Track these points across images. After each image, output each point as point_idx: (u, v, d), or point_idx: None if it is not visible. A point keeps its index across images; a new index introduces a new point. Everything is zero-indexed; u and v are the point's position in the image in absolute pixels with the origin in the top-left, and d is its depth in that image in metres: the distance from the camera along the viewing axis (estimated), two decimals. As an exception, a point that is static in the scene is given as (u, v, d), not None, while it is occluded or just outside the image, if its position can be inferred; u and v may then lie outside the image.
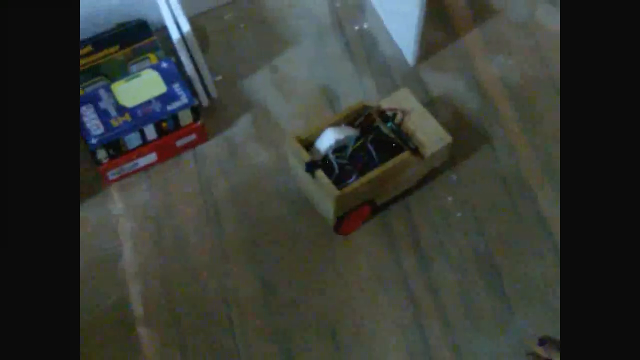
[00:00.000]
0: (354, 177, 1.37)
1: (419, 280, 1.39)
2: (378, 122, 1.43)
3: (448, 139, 1.43)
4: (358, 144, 1.40)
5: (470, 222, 1.45)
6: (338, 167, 1.37)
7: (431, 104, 1.57)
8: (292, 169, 1.45)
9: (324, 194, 1.36)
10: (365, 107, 1.43)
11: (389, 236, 1.43)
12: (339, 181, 1.36)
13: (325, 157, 1.38)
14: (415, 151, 1.40)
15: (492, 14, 1.69)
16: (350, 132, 1.40)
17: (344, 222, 1.40)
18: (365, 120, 1.43)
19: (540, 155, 1.50)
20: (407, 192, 1.47)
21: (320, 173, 1.34)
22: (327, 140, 1.38)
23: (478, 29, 1.67)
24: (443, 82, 1.60)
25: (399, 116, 1.43)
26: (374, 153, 1.39)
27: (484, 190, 1.48)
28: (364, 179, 1.36)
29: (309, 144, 1.39)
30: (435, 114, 1.54)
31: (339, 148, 1.38)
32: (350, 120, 1.42)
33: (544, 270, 1.39)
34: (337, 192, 1.33)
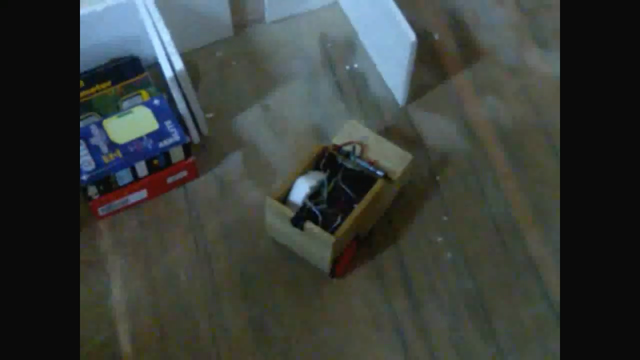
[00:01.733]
0: (339, 218, 1.37)
1: (410, 323, 1.39)
2: (341, 159, 1.43)
3: (409, 157, 1.45)
4: (330, 185, 1.40)
5: (461, 264, 1.45)
6: (320, 213, 1.37)
7: (421, 144, 1.58)
8: (270, 229, 1.44)
9: (317, 244, 1.36)
10: (324, 148, 1.44)
11: (380, 277, 1.43)
12: (325, 227, 1.36)
13: (303, 207, 1.37)
14: (385, 177, 1.41)
15: (482, 56, 1.70)
16: (319, 176, 1.41)
17: (337, 265, 1.40)
18: (328, 161, 1.43)
19: (531, 198, 1.52)
20: (398, 233, 1.48)
21: (309, 224, 1.34)
22: (301, 190, 1.38)
23: (468, 70, 1.69)
24: (433, 123, 1.62)
25: (357, 149, 1.43)
26: (348, 190, 1.40)
27: (474, 231, 1.49)
28: (351, 217, 1.36)
29: (283, 201, 1.39)
30: (425, 154, 1.56)
31: (313, 195, 1.38)
32: (314, 165, 1.43)
33: (534, 314, 1.39)
34: (333, 238, 1.33)
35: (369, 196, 1.39)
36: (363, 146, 1.45)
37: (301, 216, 1.35)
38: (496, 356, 1.36)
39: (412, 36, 1.47)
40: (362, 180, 1.42)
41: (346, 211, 1.38)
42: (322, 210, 1.37)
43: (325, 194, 1.39)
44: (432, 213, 1.51)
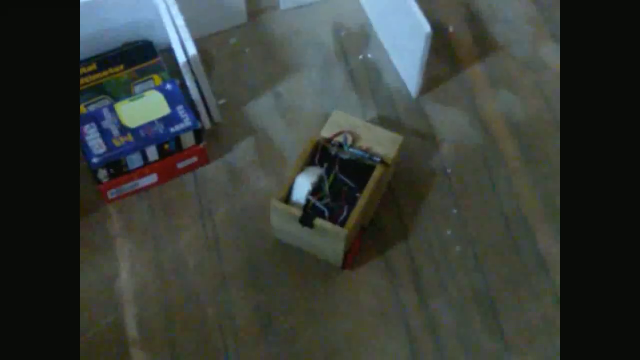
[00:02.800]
0: (345, 210, 1.37)
1: (418, 317, 1.39)
2: (334, 151, 1.43)
3: (399, 138, 1.45)
4: (330, 179, 1.39)
5: (470, 258, 1.44)
6: (325, 207, 1.36)
7: (432, 136, 1.58)
8: (276, 231, 1.43)
9: (328, 238, 1.35)
10: (317, 142, 1.43)
11: (389, 269, 1.43)
12: (332, 220, 1.36)
13: (307, 205, 1.37)
14: (382, 162, 1.41)
15: (496, 50, 1.69)
16: (317, 170, 1.40)
17: (348, 256, 1.40)
18: (322, 155, 1.43)
19: (542, 193, 1.51)
20: (407, 225, 1.47)
21: (318, 221, 1.34)
22: (302, 188, 1.37)
23: (482, 64, 1.68)
24: (446, 115, 1.61)
25: (348, 138, 1.43)
26: (348, 181, 1.40)
27: (484, 226, 1.48)
28: (358, 207, 1.36)
29: (286, 201, 1.38)
30: (437, 147, 1.55)
31: (314, 191, 1.38)
32: (310, 160, 1.42)
33: (542, 310, 1.39)
34: (345, 231, 1.33)
35: (371, 184, 1.38)
36: (353, 135, 1.44)
37: (309, 214, 1.35)
38: (502, 352, 1.36)
39: (426, 27, 1.46)
40: (359, 168, 1.42)
41: (350, 202, 1.38)
42: (326, 204, 1.37)
43: (326, 188, 1.39)
44: (442, 206, 1.50)
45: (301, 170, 1.39)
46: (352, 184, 1.40)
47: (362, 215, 1.38)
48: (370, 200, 1.39)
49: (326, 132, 1.44)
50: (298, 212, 1.35)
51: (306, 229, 1.35)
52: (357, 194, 1.38)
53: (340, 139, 1.43)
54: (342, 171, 1.41)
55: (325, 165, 1.41)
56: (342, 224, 1.35)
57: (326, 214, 1.36)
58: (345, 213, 1.36)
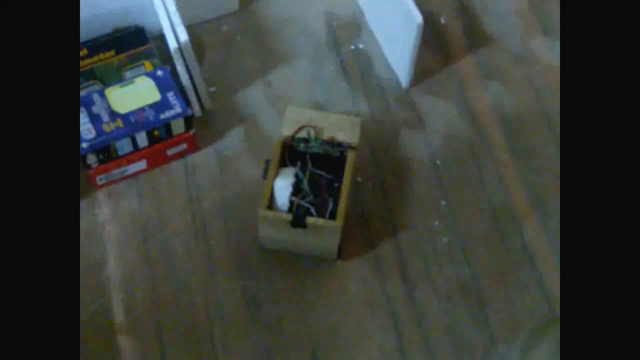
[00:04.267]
0: (330, 202, 1.37)
1: (405, 307, 1.39)
2: (302, 147, 1.43)
3: (358, 120, 1.46)
4: (307, 175, 1.40)
5: (457, 250, 1.45)
6: (310, 205, 1.37)
7: (422, 128, 1.58)
8: (266, 241, 1.42)
9: (322, 234, 1.36)
10: (286, 145, 1.42)
11: (376, 260, 1.44)
12: (321, 216, 1.36)
13: (292, 207, 1.37)
14: (350, 147, 1.42)
15: (487, 42, 1.70)
16: (291, 170, 1.40)
17: (340, 247, 1.41)
18: (290, 154, 1.43)
19: (530, 187, 1.52)
20: (395, 216, 1.48)
21: (310, 219, 1.34)
22: (283, 192, 1.38)
23: (473, 56, 1.68)
24: (436, 106, 1.61)
25: (311, 132, 1.43)
26: (323, 173, 1.41)
27: (472, 218, 1.49)
28: (343, 197, 1.37)
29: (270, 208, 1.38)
30: (426, 138, 1.56)
31: (294, 191, 1.38)
32: (281, 161, 1.42)
33: (528, 302, 1.40)
34: (340, 223, 1.33)
35: (348, 171, 1.39)
36: (314, 127, 1.44)
37: (299, 215, 1.35)
38: (489, 343, 1.37)
39: (418, 18, 1.46)
40: (330, 159, 1.42)
41: (331, 194, 1.38)
42: (310, 202, 1.37)
43: (305, 185, 1.39)
44: (431, 197, 1.51)
45: (276, 175, 1.39)
46: (328, 176, 1.40)
47: (348, 203, 1.38)
48: (349, 186, 1.39)
49: (287, 131, 1.43)
50: (288, 217, 1.35)
51: (299, 231, 1.35)
52: (336, 184, 1.39)
53: (303, 134, 1.43)
54: (315, 165, 1.41)
55: (299, 163, 1.41)
56: (332, 217, 1.35)
57: (312, 211, 1.36)
58: (331, 205, 1.37)
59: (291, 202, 1.37)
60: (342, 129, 1.44)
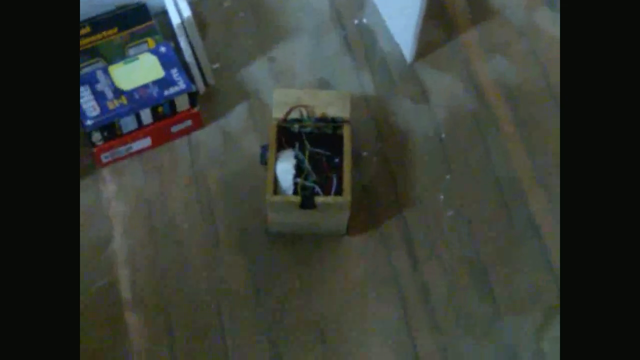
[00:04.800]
0: (334, 178, 1.37)
1: (410, 282, 1.40)
2: (296, 127, 1.42)
3: (347, 94, 1.45)
4: (306, 155, 1.39)
5: (462, 223, 1.45)
6: (314, 184, 1.37)
7: (426, 102, 1.58)
8: (274, 225, 1.41)
9: (332, 212, 1.36)
10: (281, 128, 1.41)
11: (381, 235, 1.44)
12: (327, 193, 1.36)
13: (297, 188, 1.37)
14: (343, 121, 1.42)
15: (491, 15, 1.69)
16: (291, 152, 1.40)
17: (348, 221, 1.41)
18: (286, 136, 1.42)
19: (534, 159, 1.51)
20: (400, 190, 1.48)
21: (319, 198, 1.34)
22: (287, 175, 1.37)
23: (476, 29, 1.67)
24: (440, 80, 1.61)
25: (303, 111, 1.42)
26: (322, 151, 1.40)
27: (476, 191, 1.48)
28: (347, 172, 1.37)
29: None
30: (431, 112, 1.55)
31: (297, 173, 1.38)
32: (278, 145, 1.41)
33: (533, 275, 1.40)
34: (349, 198, 1.33)
35: (347, 146, 1.39)
36: (305, 106, 1.43)
37: (307, 196, 1.35)
38: (494, 317, 1.37)
39: (422, -8, 1.45)
40: (327, 136, 1.42)
41: (333, 170, 1.38)
42: (314, 181, 1.37)
43: (307, 165, 1.39)
44: (435, 171, 1.51)
45: (276, 159, 1.39)
46: (327, 153, 1.40)
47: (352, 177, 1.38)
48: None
49: (277, 113, 1.42)
50: (296, 199, 1.34)
51: (307, 212, 1.35)
52: (336, 160, 1.39)
53: (295, 115, 1.42)
54: (313, 144, 1.41)
55: (297, 144, 1.41)
56: (337, 193, 1.35)
57: (318, 189, 1.36)
58: (335, 181, 1.37)
59: (295, 184, 1.37)
60: (332, 104, 1.43)
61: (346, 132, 1.40)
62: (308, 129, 1.41)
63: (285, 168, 1.37)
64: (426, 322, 1.36)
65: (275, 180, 1.37)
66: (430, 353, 1.34)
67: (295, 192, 1.36)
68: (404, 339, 1.35)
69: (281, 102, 1.43)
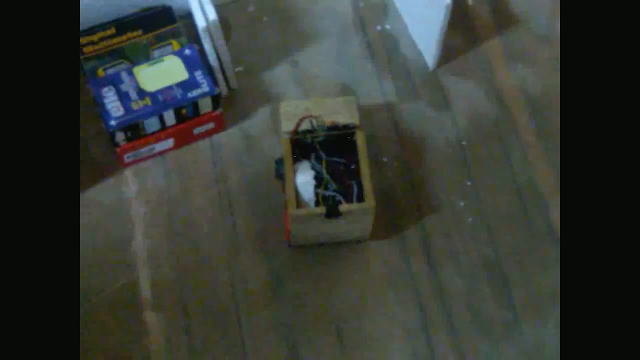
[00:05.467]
0: (354, 185, 1.38)
1: (428, 285, 1.40)
2: (309, 139, 1.41)
3: (352, 99, 1.45)
4: (324, 165, 1.40)
5: (482, 229, 1.45)
6: (335, 191, 1.37)
7: (448, 108, 1.58)
8: (298, 239, 1.41)
9: (356, 219, 1.36)
10: (293, 140, 1.41)
11: (400, 238, 1.44)
12: (350, 201, 1.36)
13: (319, 199, 1.36)
14: (354, 127, 1.42)
15: (514, 23, 1.69)
16: (306, 164, 1.40)
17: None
18: (300, 148, 1.42)
19: (555, 167, 1.51)
20: (420, 196, 1.48)
21: (343, 207, 1.34)
22: (308, 186, 1.37)
23: (499, 36, 1.67)
24: (462, 87, 1.61)
25: (314, 121, 1.42)
26: (338, 159, 1.41)
27: (496, 198, 1.49)
28: (366, 177, 1.37)
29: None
30: (452, 118, 1.56)
31: (317, 183, 1.38)
32: (294, 157, 1.40)
33: (552, 281, 1.40)
34: (372, 203, 1.34)
35: (362, 152, 1.39)
36: (314, 116, 1.42)
37: (331, 205, 1.35)
38: (511, 322, 1.37)
39: (447, -2, 1.46)
40: (340, 144, 1.42)
41: (352, 177, 1.38)
42: (334, 190, 1.38)
43: (325, 174, 1.39)
44: (456, 178, 1.51)
45: (294, 172, 1.39)
46: (343, 160, 1.40)
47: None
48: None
49: (287, 126, 1.42)
50: (321, 210, 1.34)
51: (332, 221, 1.35)
52: (352, 166, 1.39)
53: (305, 125, 1.42)
54: (327, 153, 1.41)
55: (313, 155, 1.41)
56: (359, 199, 1.36)
57: (340, 198, 1.36)
58: (355, 188, 1.37)
59: (317, 195, 1.37)
60: (340, 111, 1.43)
61: (359, 137, 1.40)
62: (320, 139, 1.42)
63: (305, 180, 1.37)
64: (444, 326, 1.36)
65: (296, 194, 1.37)
66: (447, 356, 1.34)
67: (317, 203, 1.36)
68: (421, 342, 1.35)
69: (288, 113, 1.42)
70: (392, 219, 1.46)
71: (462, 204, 1.48)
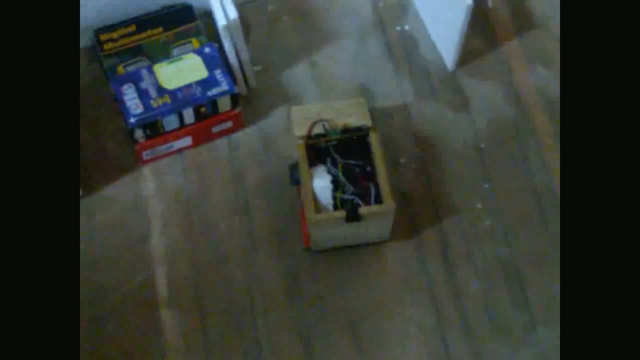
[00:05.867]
0: (372, 187, 1.37)
1: (445, 287, 1.40)
2: (322, 143, 1.41)
3: (362, 100, 1.46)
4: (340, 169, 1.40)
5: (498, 231, 1.45)
6: (353, 194, 1.37)
7: (467, 110, 1.58)
8: (317, 242, 1.40)
9: (376, 220, 1.36)
10: (307, 145, 1.41)
11: (417, 239, 1.44)
12: (368, 203, 1.36)
13: (337, 203, 1.36)
14: (367, 128, 1.42)
15: (534, 25, 1.68)
16: (322, 168, 1.40)
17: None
18: (315, 153, 1.41)
19: (574, 170, 1.51)
20: (438, 197, 1.48)
21: (363, 209, 1.34)
22: (326, 191, 1.37)
23: (519, 39, 1.67)
24: (481, 89, 1.61)
25: (326, 125, 1.42)
26: (353, 162, 1.40)
27: (514, 200, 1.48)
28: (383, 178, 1.37)
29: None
30: (471, 120, 1.56)
31: (334, 187, 1.38)
32: (309, 162, 1.40)
33: (570, 285, 1.39)
34: (393, 204, 1.34)
35: (377, 152, 1.39)
36: (325, 120, 1.42)
37: (351, 209, 1.34)
38: (528, 323, 1.36)
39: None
40: (354, 146, 1.41)
41: (368, 178, 1.38)
42: (352, 193, 1.37)
43: (342, 178, 1.39)
44: (474, 180, 1.50)
45: (311, 178, 1.38)
46: (358, 162, 1.40)
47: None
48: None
49: (299, 132, 1.42)
50: (341, 214, 1.34)
51: (353, 224, 1.35)
52: (368, 168, 1.39)
53: (318, 130, 1.42)
54: (342, 156, 1.41)
55: (328, 159, 1.40)
56: (377, 200, 1.35)
57: (358, 201, 1.36)
58: (373, 190, 1.37)
59: (335, 199, 1.37)
60: (351, 114, 1.43)
61: (373, 138, 1.40)
62: (334, 142, 1.41)
63: (322, 184, 1.37)
64: (460, 327, 1.36)
65: (314, 198, 1.37)
66: (463, 358, 1.34)
67: (334, 207, 1.36)
68: (437, 343, 1.35)
69: (300, 118, 1.42)
70: (410, 219, 1.46)
71: (479, 205, 1.48)
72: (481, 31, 1.67)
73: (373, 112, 1.51)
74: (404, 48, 1.65)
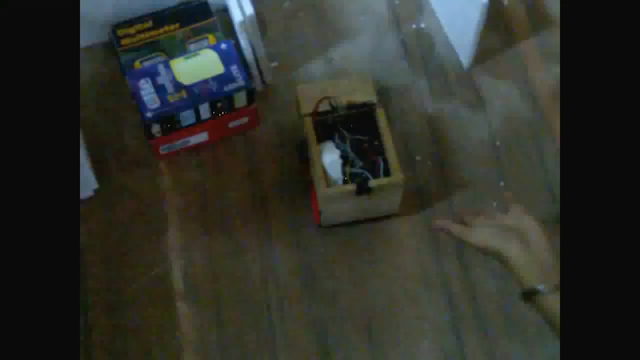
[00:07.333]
0: (380, 160, 1.39)
1: (460, 285, 1.40)
2: (330, 119, 1.43)
3: (366, 74, 1.49)
4: (348, 143, 1.41)
5: (514, 230, 1.45)
6: (363, 169, 1.38)
7: (482, 108, 1.58)
8: (328, 218, 1.42)
9: (386, 194, 1.37)
10: (313, 121, 1.42)
11: (433, 237, 1.44)
12: (376, 176, 1.37)
13: (347, 176, 1.38)
14: (373, 103, 1.43)
15: (550, 23, 1.68)
16: (330, 143, 1.41)
17: None
18: (322, 129, 1.42)
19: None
20: (453, 196, 1.48)
21: (373, 182, 1.35)
22: (335, 165, 1.38)
23: (535, 37, 1.67)
24: (496, 87, 1.61)
25: (331, 101, 1.43)
26: (361, 137, 1.41)
27: (530, 199, 1.48)
28: (392, 151, 1.38)
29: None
30: (486, 119, 1.56)
31: (344, 161, 1.39)
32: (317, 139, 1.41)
33: (585, 283, 1.39)
34: (401, 176, 1.36)
35: (386, 126, 1.41)
36: (332, 97, 1.43)
37: (361, 182, 1.36)
38: (543, 324, 1.36)
39: (483, -2, 1.46)
40: (361, 122, 1.43)
41: (377, 152, 1.39)
42: (362, 167, 1.38)
43: (351, 153, 1.40)
44: (489, 178, 1.51)
45: (321, 152, 1.39)
46: (366, 137, 1.41)
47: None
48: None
49: (306, 108, 1.43)
50: (352, 187, 1.35)
51: (363, 197, 1.36)
52: (375, 142, 1.40)
53: (324, 106, 1.42)
54: (350, 131, 1.42)
55: (336, 134, 1.41)
56: (386, 173, 1.37)
57: (367, 174, 1.37)
58: (382, 163, 1.38)
59: (345, 173, 1.38)
60: (356, 89, 1.45)
61: (381, 115, 1.42)
62: (341, 118, 1.43)
63: (332, 159, 1.38)
64: (474, 326, 1.36)
65: (324, 173, 1.38)
66: (477, 356, 1.34)
67: (344, 181, 1.37)
68: (451, 341, 1.35)
69: (306, 96, 1.44)
70: (425, 217, 1.46)
71: (494, 204, 1.48)
72: (497, 29, 1.68)
73: (388, 109, 1.52)
74: (420, 46, 1.66)
